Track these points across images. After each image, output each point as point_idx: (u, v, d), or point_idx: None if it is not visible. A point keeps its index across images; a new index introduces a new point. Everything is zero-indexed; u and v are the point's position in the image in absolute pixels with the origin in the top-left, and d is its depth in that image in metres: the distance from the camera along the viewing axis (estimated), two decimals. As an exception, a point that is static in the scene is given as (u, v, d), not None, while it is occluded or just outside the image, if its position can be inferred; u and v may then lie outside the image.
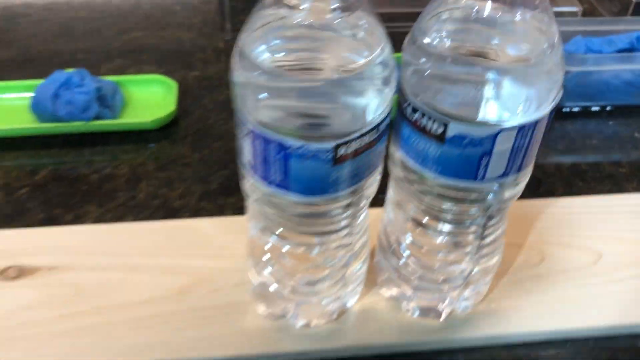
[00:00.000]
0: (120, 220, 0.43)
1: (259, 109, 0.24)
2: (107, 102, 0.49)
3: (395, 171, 0.30)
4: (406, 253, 0.34)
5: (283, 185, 0.26)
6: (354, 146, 0.24)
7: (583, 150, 0.51)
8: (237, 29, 0.66)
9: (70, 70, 0.49)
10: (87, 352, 0.34)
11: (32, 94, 0.49)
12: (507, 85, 0.24)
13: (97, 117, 0.48)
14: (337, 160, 0.24)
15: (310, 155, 0.24)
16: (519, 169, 0.27)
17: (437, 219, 0.30)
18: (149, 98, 0.52)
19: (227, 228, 0.41)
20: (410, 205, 0.31)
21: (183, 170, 0.47)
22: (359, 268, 0.35)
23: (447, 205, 0.29)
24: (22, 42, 0.61)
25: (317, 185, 0.26)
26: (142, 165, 0.47)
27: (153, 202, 0.44)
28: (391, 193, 0.33)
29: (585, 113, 0.55)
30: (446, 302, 0.36)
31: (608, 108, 0.55)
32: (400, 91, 0.26)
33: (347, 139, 0.24)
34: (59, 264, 0.38)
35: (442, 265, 0.33)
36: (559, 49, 0.25)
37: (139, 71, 0.57)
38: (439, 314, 0.36)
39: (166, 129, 0.50)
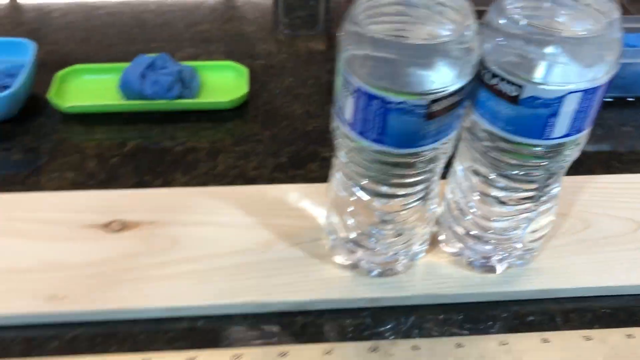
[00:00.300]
0: (204, 186, 0.48)
1: (366, 71, 0.29)
2: (186, 84, 0.54)
3: (468, 133, 0.35)
4: (469, 211, 0.38)
5: (379, 139, 0.31)
6: (444, 104, 0.29)
7: (619, 136, 0.56)
8: (293, 24, 0.71)
9: (152, 55, 0.55)
10: (187, 293, 0.39)
11: (118, 76, 0.54)
12: (575, 54, 0.29)
13: (179, 97, 0.53)
14: (429, 116, 0.29)
15: (408, 111, 0.29)
16: (579, 130, 0.32)
17: (502, 177, 0.35)
18: (222, 82, 0.57)
19: (301, 193, 0.46)
20: (476, 165, 0.36)
21: (256, 146, 0.52)
22: (427, 225, 0.39)
23: (513, 163, 0.34)
24: (101, 32, 0.67)
25: (409, 139, 0.30)
26: (219, 141, 0.52)
27: (231, 172, 0.49)
28: (459, 155, 0.38)
29: (621, 103, 0.59)
30: (503, 258, 0.40)
31: (643, 99, 0.60)
32: (480, 60, 0.31)
33: (440, 96, 0.29)
34: (157, 220, 0.44)
35: (502, 223, 0.38)
36: (617, 28, 0.30)
37: (209, 59, 0.62)
38: (496, 269, 0.41)
39: (239, 110, 0.56)
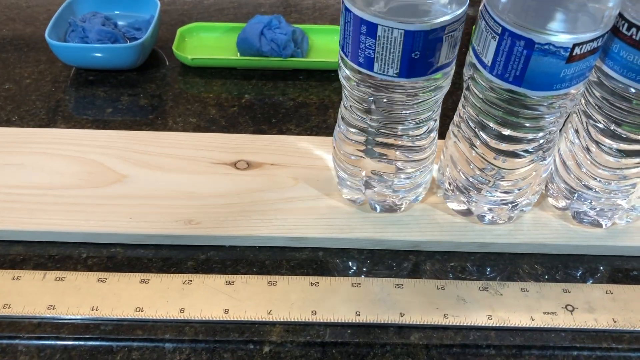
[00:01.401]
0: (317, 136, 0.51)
1: (513, 12, 0.31)
2: (298, 44, 0.57)
3: (593, 82, 0.37)
4: (580, 166, 0.40)
5: (517, 81, 0.33)
6: (585, 48, 0.31)
7: None
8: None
9: (269, 16, 0.58)
10: (309, 226, 0.42)
11: (233, 35, 0.58)
12: None
13: (292, 56, 0.56)
14: (570, 59, 0.31)
15: (551, 52, 0.31)
16: None
17: (620, 127, 0.37)
18: (329, 44, 0.60)
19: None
20: (595, 115, 0.38)
21: (362, 104, 0.55)
22: (540, 180, 0.41)
23: (635, 113, 0.35)
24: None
25: (547, 82, 0.33)
26: (328, 97, 0.55)
27: (341, 126, 0.53)
28: (577, 112, 0.40)
29: None
30: (609, 214, 0.42)
31: None
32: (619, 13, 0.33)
33: (583, 40, 0.31)
34: (278, 162, 0.47)
35: (613, 178, 0.40)
36: None
37: (315, 24, 0.65)
38: (601, 225, 0.42)
39: (344, 71, 0.59)
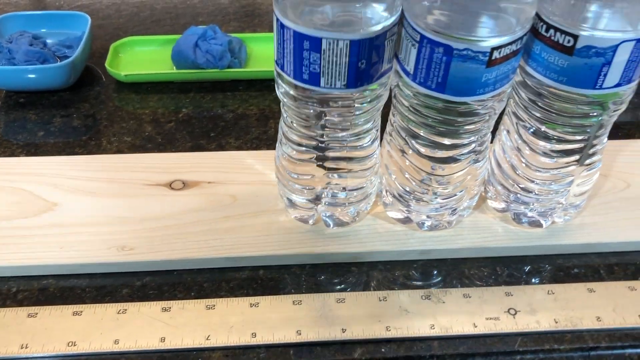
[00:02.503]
0: (257, 150, 0.50)
1: (431, 19, 0.31)
2: (235, 54, 0.56)
3: (519, 87, 0.36)
4: (516, 167, 0.40)
5: (440, 88, 0.32)
6: (504, 52, 0.31)
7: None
8: None
9: (203, 26, 0.57)
10: (248, 244, 0.41)
11: (169, 47, 0.57)
12: (631, 2, 0.30)
13: (229, 66, 0.55)
14: (490, 63, 0.31)
15: (470, 58, 0.31)
16: (630, 81, 0.33)
17: (551, 128, 0.37)
18: (268, 53, 0.59)
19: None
20: (525, 117, 0.37)
21: (303, 113, 0.54)
22: (476, 184, 0.41)
23: (563, 115, 0.35)
24: (149, 7, 0.69)
25: (469, 87, 0.32)
26: (268, 107, 0.54)
27: (281, 137, 0.52)
28: (508, 109, 0.40)
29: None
30: (548, 213, 0.42)
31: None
32: (536, 13, 0.32)
33: (501, 43, 0.30)
34: (215, 180, 0.46)
35: (549, 177, 0.39)
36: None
37: (254, 32, 0.64)
38: (541, 224, 0.42)
39: (284, 79, 0.58)
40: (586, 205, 0.44)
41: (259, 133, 0.52)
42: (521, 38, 0.31)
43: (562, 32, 0.31)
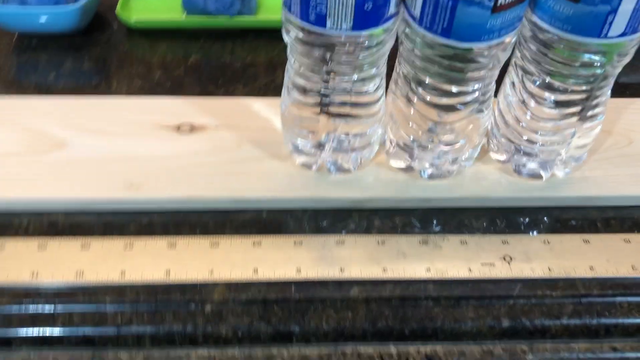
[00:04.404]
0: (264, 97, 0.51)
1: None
2: (245, 1, 0.56)
3: (524, 35, 0.37)
4: (518, 118, 0.41)
5: (445, 33, 0.33)
6: (509, -2, 0.31)
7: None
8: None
9: (214, -27, 0.57)
10: (252, 187, 0.42)
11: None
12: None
13: (240, 13, 0.55)
14: (495, 9, 0.31)
15: (475, 2, 0.31)
16: (636, 31, 0.33)
17: (555, 78, 0.37)
18: (278, 2, 0.59)
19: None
20: (530, 67, 0.38)
21: (311, 63, 0.55)
22: (479, 134, 0.42)
23: (568, 64, 0.36)
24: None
25: (475, 33, 0.32)
26: (277, 56, 0.55)
27: (288, 86, 0.52)
28: (513, 59, 0.40)
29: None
30: (548, 165, 0.42)
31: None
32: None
33: (507, -11, 0.31)
34: (222, 124, 0.47)
35: (551, 127, 0.40)
36: None
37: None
38: (541, 176, 0.43)
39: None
40: (588, 160, 0.44)
41: (266, 81, 0.52)
42: (528, -16, 0.31)
43: (569, -22, 0.32)
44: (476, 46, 0.33)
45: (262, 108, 0.48)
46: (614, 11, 0.32)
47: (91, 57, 0.54)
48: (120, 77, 0.52)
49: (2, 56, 0.54)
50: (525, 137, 0.41)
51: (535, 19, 0.35)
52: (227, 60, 0.54)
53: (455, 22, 0.32)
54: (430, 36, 0.34)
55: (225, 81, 0.52)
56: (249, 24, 0.57)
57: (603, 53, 0.35)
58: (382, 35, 0.35)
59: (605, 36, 0.33)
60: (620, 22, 0.33)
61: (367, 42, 0.35)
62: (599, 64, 0.36)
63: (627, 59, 0.36)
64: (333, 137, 0.41)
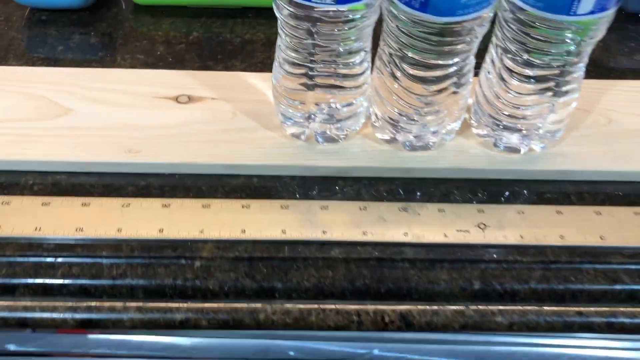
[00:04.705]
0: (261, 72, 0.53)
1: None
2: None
3: (501, 12, 0.39)
4: (497, 94, 0.43)
5: (423, 7, 0.35)
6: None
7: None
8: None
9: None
10: (244, 155, 0.45)
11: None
12: None
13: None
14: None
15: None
16: (603, 9, 0.35)
17: (530, 54, 0.39)
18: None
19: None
20: (506, 44, 0.40)
21: (307, 42, 0.57)
22: (459, 107, 0.44)
23: (540, 40, 0.38)
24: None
25: (450, 7, 0.35)
26: (274, 34, 0.57)
27: (284, 62, 0.55)
28: (492, 43, 0.42)
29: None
30: (526, 140, 0.44)
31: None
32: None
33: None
34: (219, 96, 0.49)
35: (528, 102, 0.42)
36: None
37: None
38: (519, 150, 0.45)
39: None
40: (566, 137, 0.46)
41: (263, 57, 0.55)
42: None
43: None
44: (452, 20, 0.35)
45: (258, 82, 0.51)
46: (581, -11, 0.34)
47: (97, 32, 0.57)
48: (124, 51, 0.55)
49: (15, 29, 0.57)
50: (505, 113, 0.43)
51: (512, -1, 0.37)
52: (226, 37, 0.57)
53: (430, -3, 0.34)
54: (409, 11, 0.36)
55: (224, 57, 0.55)
56: (248, 2, 0.59)
57: (574, 30, 0.36)
58: (364, 9, 0.37)
59: (575, 14, 0.35)
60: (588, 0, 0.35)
61: (350, 15, 0.37)
62: (572, 42, 0.37)
63: (598, 36, 0.38)
64: (321, 108, 0.44)
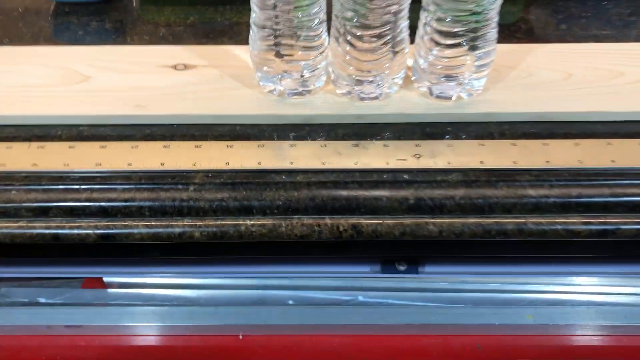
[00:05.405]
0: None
1: None
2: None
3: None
4: (428, 51, 0.53)
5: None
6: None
7: (578, 18, 0.68)
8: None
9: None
10: (229, 107, 0.56)
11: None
12: None
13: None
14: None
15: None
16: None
17: (449, 14, 0.49)
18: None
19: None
20: (429, 6, 0.50)
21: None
22: (399, 65, 0.54)
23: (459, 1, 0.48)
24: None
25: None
26: (257, 17, 0.68)
27: (265, 39, 0.65)
28: (423, 9, 0.52)
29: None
30: (455, 89, 0.55)
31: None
32: None
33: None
34: (209, 64, 0.60)
35: (451, 53, 0.52)
36: None
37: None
38: (450, 97, 0.55)
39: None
40: (490, 87, 0.56)
41: (247, 35, 0.65)
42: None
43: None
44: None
45: (241, 53, 0.61)
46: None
47: (111, 20, 0.69)
48: (133, 34, 0.66)
49: (43, 19, 0.69)
50: (438, 66, 0.54)
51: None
52: (218, 20, 0.68)
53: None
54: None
55: (215, 35, 0.66)
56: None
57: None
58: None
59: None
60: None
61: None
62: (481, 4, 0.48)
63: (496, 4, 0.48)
64: (289, 72, 0.54)
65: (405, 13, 0.51)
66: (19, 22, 0.69)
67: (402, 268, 0.69)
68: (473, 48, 0.52)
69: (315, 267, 0.70)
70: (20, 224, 0.50)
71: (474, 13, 0.49)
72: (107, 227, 0.51)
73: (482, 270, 0.73)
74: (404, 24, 0.52)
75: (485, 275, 0.79)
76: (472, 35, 0.51)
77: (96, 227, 0.51)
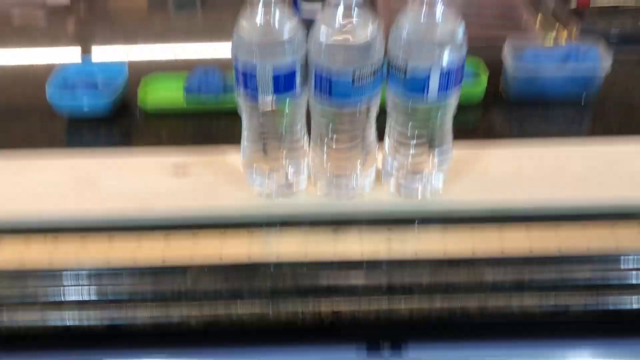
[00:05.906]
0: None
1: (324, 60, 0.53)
2: (227, 88, 0.80)
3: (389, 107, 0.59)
4: (395, 154, 0.62)
5: (328, 100, 0.55)
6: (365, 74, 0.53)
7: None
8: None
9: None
10: (228, 204, 0.63)
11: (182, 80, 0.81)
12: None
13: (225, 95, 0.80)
14: (353, 83, 0.53)
15: (341, 81, 0.53)
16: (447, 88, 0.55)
17: (412, 127, 0.58)
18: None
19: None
20: (392, 121, 0.59)
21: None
22: (369, 167, 0.62)
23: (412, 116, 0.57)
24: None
25: (344, 97, 0.54)
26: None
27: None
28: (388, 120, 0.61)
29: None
30: (420, 186, 0.63)
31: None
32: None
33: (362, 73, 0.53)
34: (205, 168, 0.68)
35: (416, 162, 0.61)
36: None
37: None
38: (417, 194, 0.63)
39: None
40: (450, 181, 0.65)
41: (238, 138, 0.74)
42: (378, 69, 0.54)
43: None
44: (348, 104, 0.56)
45: (234, 155, 0.70)
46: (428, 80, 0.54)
47: (119, 132, 0.79)
48: (139, 143, 0.76)
49: (59, 134, 0.78)
50: (403, 164, 0.62)
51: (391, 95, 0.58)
52: (214, 128, 0.79)
53: (332, 92, 0.54)
54: (319, 101, 0.56)
55: (212, 140, 0.74)
56: (226, 108, 0.80)
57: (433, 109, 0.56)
58: (293, 104, 0.58)
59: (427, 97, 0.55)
60: (433, 87, 0.54)
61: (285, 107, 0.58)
62: (429, 115, 0.57)
63: (451, 112, 0.58)
64: (275, 171, 0.62)
65: (372, 121, 0.60)
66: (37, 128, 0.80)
67: (386, 353, 0.74)
68: (432, 146, 0.60)
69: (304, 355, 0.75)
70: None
71: (427, 122, 0.58)
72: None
73: (469, 354, 0.77)
74: (372, 128, 0.61)
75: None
76: (430, 137, 0.60)
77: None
